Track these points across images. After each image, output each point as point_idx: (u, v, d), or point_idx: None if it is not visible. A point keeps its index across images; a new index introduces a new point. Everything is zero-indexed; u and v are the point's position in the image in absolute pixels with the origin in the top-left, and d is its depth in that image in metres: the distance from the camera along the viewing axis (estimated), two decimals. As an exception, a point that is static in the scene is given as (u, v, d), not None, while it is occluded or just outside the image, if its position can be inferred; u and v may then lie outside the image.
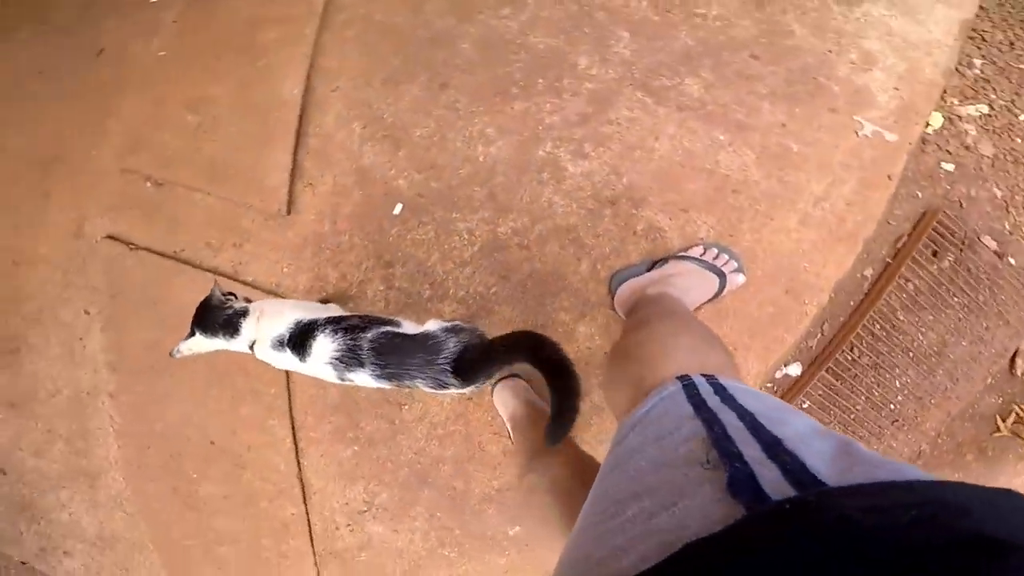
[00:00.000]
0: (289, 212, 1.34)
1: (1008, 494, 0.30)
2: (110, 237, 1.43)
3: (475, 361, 0.86)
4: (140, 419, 1.44)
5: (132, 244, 1.41)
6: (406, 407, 1.29)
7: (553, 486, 0.86)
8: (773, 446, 0.40)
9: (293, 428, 1.33)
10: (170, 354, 0.97)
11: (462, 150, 1.28)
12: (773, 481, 0.36)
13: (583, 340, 1.23)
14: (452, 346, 0.85)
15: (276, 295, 1.30)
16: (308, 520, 1.36)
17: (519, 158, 1.27)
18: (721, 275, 1.16)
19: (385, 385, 0.88)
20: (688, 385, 0.55)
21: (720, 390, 0.53)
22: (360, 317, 0.93)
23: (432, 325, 0.89)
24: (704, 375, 0.57)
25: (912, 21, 1.45)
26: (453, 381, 0.85)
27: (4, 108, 1.66)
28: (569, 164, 1.25)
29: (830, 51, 1.39)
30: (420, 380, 0.85)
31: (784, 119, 1.29)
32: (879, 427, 1.35)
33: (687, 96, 1.30)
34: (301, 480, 1.34)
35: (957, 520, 0.27)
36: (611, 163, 1.25)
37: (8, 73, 1.70)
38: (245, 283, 1.31)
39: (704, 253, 1.17)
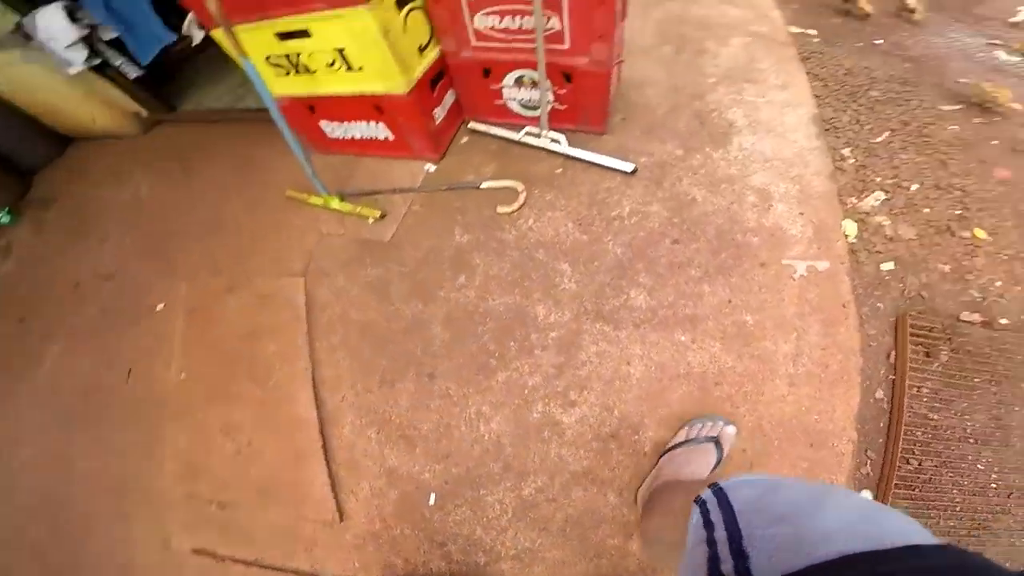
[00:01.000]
0: (342, 519, 1.44)
1: (921, 551, 0.42)
2: (196, 551, 1.53)
3: None
4: None
5: (217, 556, 1.52)
6: None
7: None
8: (736, 545, 0.50)
9: None
10: None
11: (467, 434, 1.41)
12: None
13: (640, 553, 1.26)
14: None
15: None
16: None
17: (518, 427, 1.38)
18: (713, 440, 1.21)
19: None
20: (701, 504, 0.61)
21: (719, 492, 0.60)
22: None
23: None
24: (711, 485, 0.63)
25: (776, 137, 1.59)
26: None
27: (74, 431, 1.80)
28: (563, 416, 1.36)
29: (732, 203, 1.52)
30: None
31: (727, 295, 1.42)
32: (996, 506, 1.26)
33: (637, 309, 1.44)
34: None
35: None
36: (599, 401, 1.35)
37: (63, 396, 1.84)
38: (326, 583, 1.41)
39: (689, 431, 1.24)
